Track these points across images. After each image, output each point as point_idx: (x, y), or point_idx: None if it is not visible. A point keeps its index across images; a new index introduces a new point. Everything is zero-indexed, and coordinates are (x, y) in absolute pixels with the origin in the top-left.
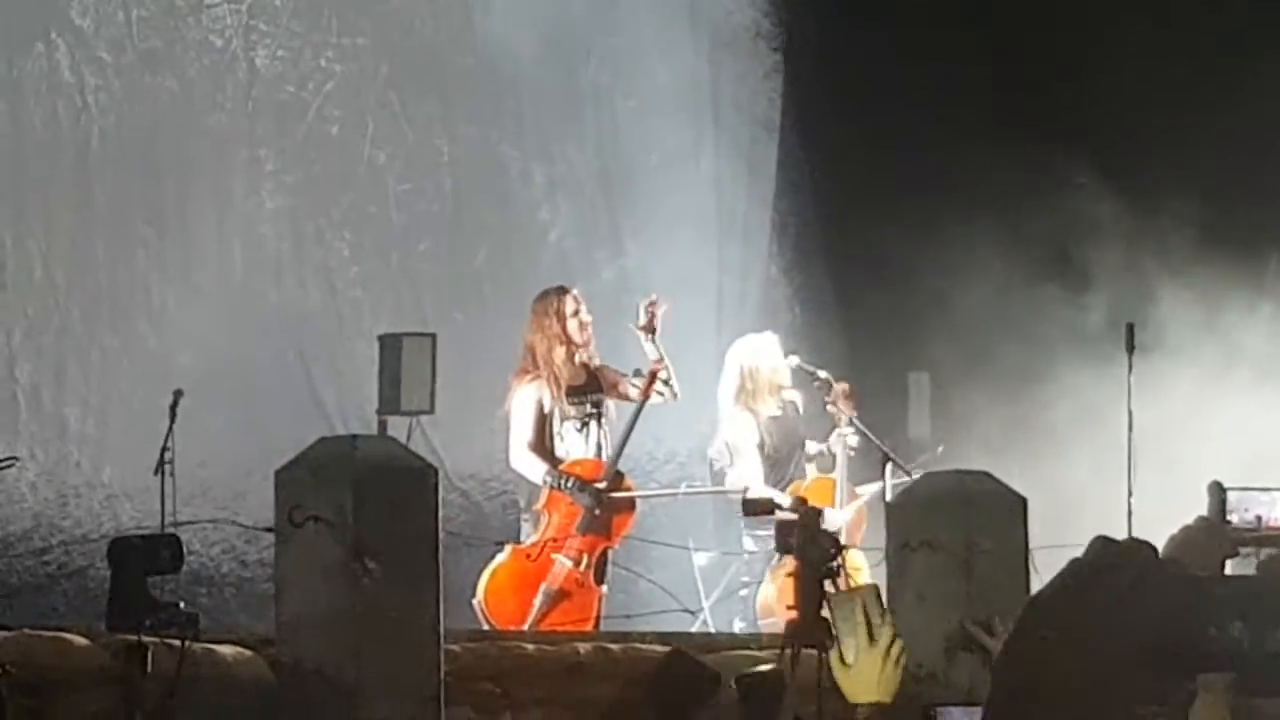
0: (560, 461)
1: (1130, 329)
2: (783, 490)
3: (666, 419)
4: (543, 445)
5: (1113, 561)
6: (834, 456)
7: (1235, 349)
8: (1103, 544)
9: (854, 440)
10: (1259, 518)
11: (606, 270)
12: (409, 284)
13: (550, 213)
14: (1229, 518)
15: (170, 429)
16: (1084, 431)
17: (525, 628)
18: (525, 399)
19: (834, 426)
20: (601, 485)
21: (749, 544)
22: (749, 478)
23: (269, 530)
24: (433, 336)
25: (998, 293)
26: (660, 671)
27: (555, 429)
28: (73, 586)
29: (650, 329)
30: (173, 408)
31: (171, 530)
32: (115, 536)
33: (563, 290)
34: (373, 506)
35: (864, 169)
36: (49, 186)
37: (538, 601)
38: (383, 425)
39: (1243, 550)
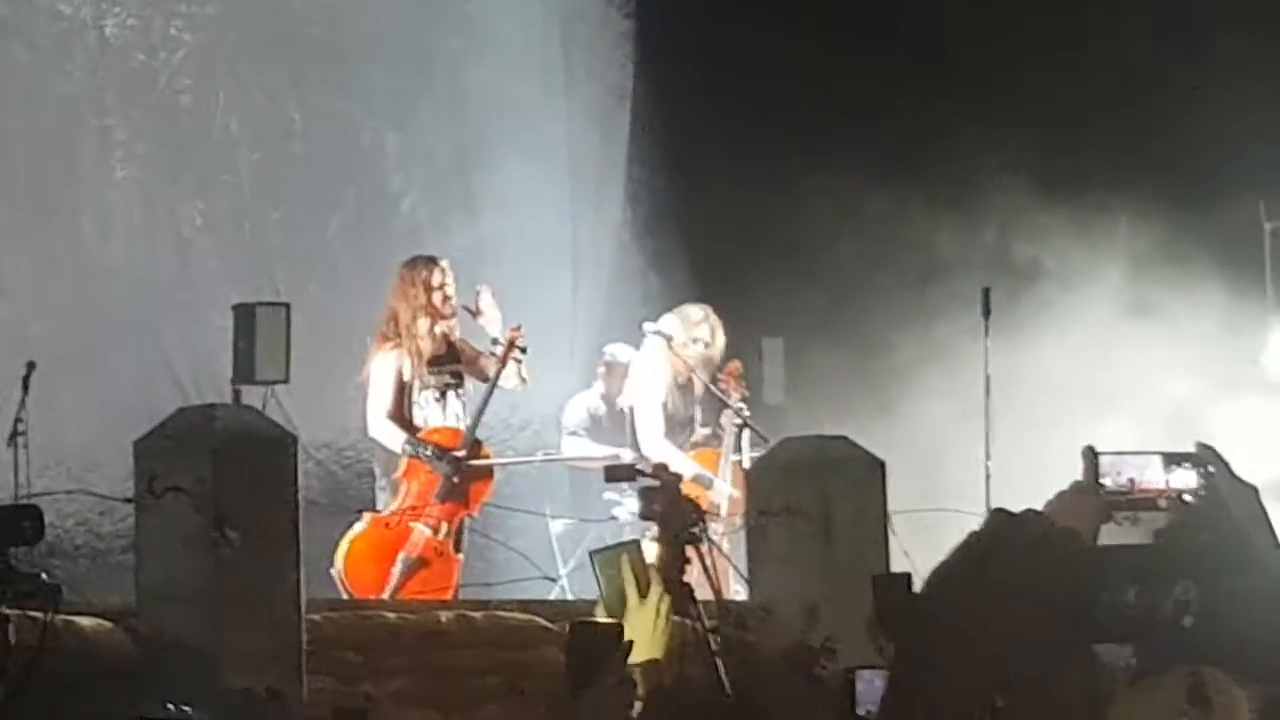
0: (418, 430)
1: (986, 292)
2: None
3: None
4: (401, 414)
5: (1008, 534)
6: (720, 437)
7: (1103, 306)
8: (999, 516)
9: (740, 420)
10: (1132, 481)
11: (460, 238)
12: (261, 254)
13: (403, 181)
14: (1102, 482)
15: (23, 400)
16: (945, 394)
17: (385, 596)
18: (385, 367)
19: (723, 406)
20: (460, 453)
21: (620, 512)
22: (651, 437)
23: (128, 501)
24: (286, 306)
25: (854, 254)
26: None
27: (414, 398)
28: None
29: (476, 313)
30: (25, 379)
31: (29, 501)
32: None
33: (431, 261)
34: (233, 476)
35: (717, 134)
36: None
37: (396, 570)
38: (237, 395)
39: (1117, 515)
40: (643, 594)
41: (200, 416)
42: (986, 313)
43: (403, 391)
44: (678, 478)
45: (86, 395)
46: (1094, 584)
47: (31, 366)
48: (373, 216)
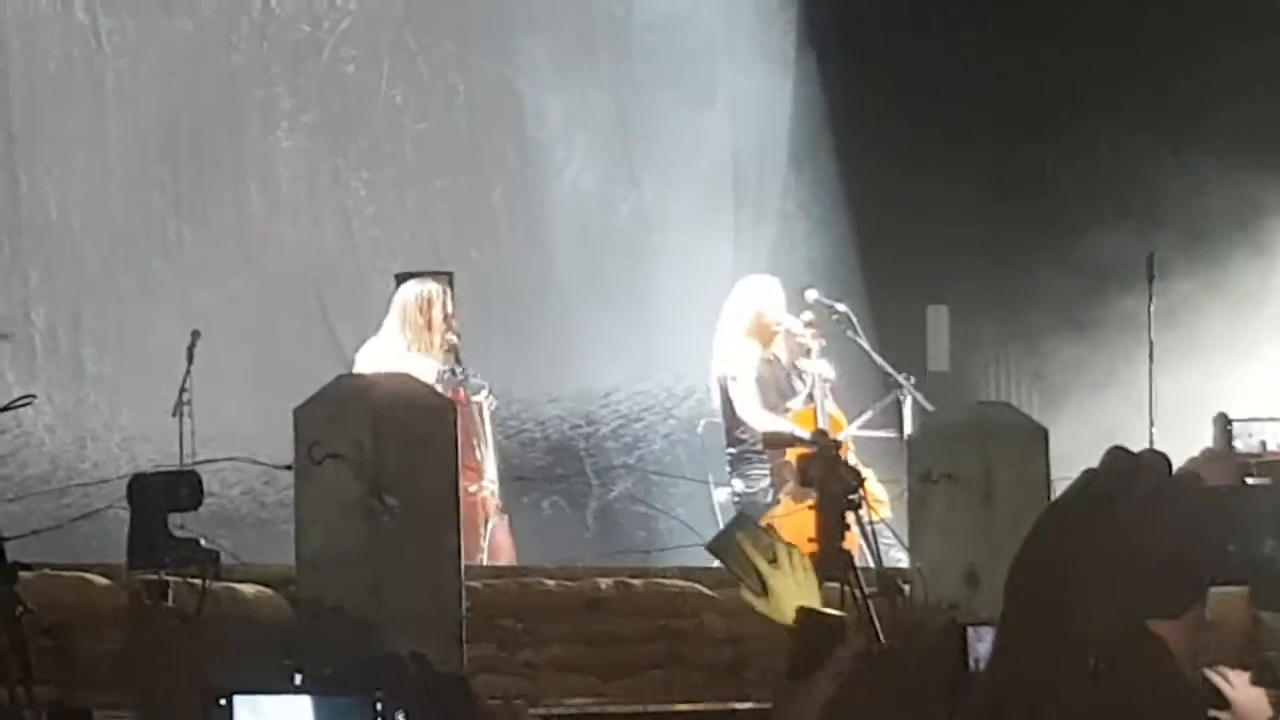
0: None
1: (1151, 259)
2: None
3: (686, 354)
4: None
5: (1130, 471)
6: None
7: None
8: (1118, 454)
9: (829, 371)
10: (1263, 444)
11: (622, 206)
12: (425, 222)
13: (566, 149)
14: (1234, 445)
15: (188, 370)
16: (1108, 362)
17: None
18: None
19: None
20: None
21: (738, 485)
22: (749, 409)
23: (288, 468)
24: (449, 274)
25: (1021, 223)
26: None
27: None
28: (91, 528)
29: None
30: (190, 349)
31: (190, 468)
32: (135, 473)
33: None
34: (391, 443)
35: (879, 101)
36: (63, 128)
37: None
38: None
39: (1248, 479)
40: (772, 560)
41: (359, 383)
42: (1151, 278)
43: None
44: (836, 444)
45: (251, 365)
46: (1217, 530)
47: (196, 336)
48: (536, 184)
